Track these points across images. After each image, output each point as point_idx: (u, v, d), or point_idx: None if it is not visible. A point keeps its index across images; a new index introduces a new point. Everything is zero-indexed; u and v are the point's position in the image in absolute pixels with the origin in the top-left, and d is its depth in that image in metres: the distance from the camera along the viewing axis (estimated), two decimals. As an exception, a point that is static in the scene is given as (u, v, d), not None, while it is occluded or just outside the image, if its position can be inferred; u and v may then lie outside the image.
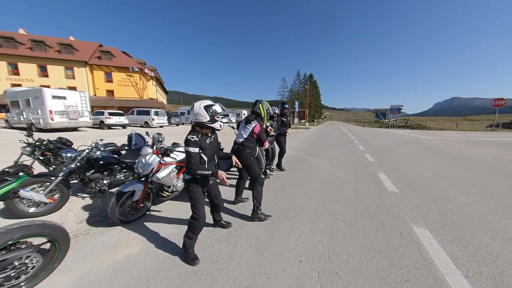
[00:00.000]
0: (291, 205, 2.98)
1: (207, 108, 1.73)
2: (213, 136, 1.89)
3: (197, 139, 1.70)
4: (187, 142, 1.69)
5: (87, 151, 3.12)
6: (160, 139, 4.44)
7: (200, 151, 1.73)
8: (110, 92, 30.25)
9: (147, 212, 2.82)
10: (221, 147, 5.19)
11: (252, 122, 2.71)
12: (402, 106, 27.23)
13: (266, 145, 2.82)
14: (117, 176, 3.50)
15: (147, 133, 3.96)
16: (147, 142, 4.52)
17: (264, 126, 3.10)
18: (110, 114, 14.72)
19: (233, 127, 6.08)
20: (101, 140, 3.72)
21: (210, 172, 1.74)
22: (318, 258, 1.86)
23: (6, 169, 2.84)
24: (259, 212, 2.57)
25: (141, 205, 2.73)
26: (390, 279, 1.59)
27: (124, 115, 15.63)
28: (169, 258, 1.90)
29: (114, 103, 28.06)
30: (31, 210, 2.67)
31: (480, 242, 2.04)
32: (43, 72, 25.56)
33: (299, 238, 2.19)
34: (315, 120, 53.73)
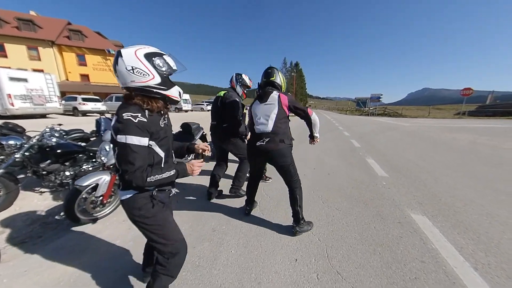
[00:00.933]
0: (281, 194, 2.68)
1: (150, 57, 0.90)
2: (166, 115, 1.06)
3: (144, 120, 0.87)
4: (123, 126, 0.84)
5: (37, 137, 2.50)
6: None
7: (151, 142, 0.93)
8: (85, 77, 27.23)
9: (117, 208, 2.36)
10: (204, 133, 4.61)
11: (273, 94, 1.78)
12: (381, 94, 27.99)
13: (312, 114, 1.87)
14: (83, 167, 2.93)
15: (113, 115, 3.30)
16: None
17: None
18: (84, 100, 13.16)
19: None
20: (60, 125, 3.08)
21: (173, 172, 0.97)
22: (316, 255, 1.60)
23: None
24: (304, 222, 1.87)
25: (109, 200, 2.25)
26: (398, 277, 1.37)
27: (100, 101, 14.11)
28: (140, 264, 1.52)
29: (90, 89, 25.45)
30: (-37, 212, 2.09)
31: (478, 227, 1.91)
32: (0, 51, 22.01)
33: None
34: (300, 108, 53.65)
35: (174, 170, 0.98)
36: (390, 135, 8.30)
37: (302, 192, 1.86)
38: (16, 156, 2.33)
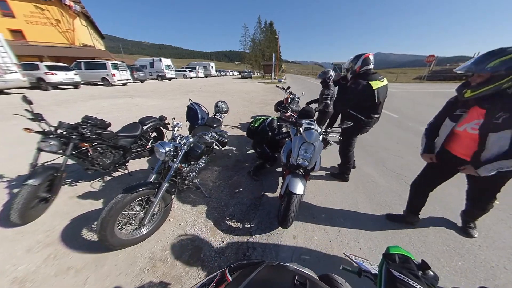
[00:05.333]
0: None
1: None
2: None
3: None
4: None
5: (191, 140, 1.89)
6: (225, 109, 3.27)
7: None
8: (18, 34, 19.77)
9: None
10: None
11: None
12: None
13: None
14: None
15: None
16: (208, 114, 3.22)
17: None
18: (50, 68, 9.85)
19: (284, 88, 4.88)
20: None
21: None
22: None
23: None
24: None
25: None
26: None
27: (71, 70, 10.82)
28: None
29: (30, 51, 19.03)
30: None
31: None
32: None
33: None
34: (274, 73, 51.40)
35: None
36: (398, 102, 8.89)
37: None
38: (175, 164, 1.74)
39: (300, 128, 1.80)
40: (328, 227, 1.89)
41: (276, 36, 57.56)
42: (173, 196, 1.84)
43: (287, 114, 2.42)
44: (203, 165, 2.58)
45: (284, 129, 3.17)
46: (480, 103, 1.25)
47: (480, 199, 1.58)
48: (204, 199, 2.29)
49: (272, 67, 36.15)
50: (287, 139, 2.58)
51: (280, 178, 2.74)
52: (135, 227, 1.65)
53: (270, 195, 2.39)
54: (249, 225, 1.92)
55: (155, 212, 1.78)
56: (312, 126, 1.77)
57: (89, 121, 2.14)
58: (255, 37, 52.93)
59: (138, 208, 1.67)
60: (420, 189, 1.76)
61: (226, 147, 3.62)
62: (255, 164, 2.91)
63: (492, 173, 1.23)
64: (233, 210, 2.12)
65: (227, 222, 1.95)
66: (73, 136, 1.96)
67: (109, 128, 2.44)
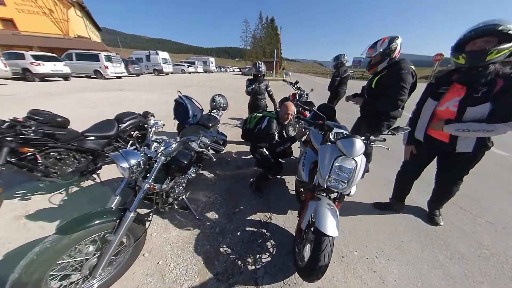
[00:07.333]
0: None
1: None
2: None
3: None
4: None
5: (162, 149, 1.33)
6: (223, 105, 2.72)
7: None
8: (9, 23, 18.82)
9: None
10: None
11: None
12: (363, 58, 27.81)
13: None
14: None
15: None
16: (203, 111, 2.66)
17: None
18: (37, 58, 9.11)
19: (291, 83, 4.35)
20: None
21: None
22: None
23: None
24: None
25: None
26: None
27: (61, 60, 10.08)
28: None
29: (21, 41, 18.08)
30: None
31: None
32: None
33: None
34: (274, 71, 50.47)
35: None
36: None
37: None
38: (146, 184, 1.19)
39: (330, 134, 1.24)
40: (367, 274, 1.34)
41: (278, 32, 56.18)
42: (147, 225, 1.29)
43: (308, 112, 1.85)
44: (193, 175, 2.03)
45: (290, 132, 2.61)
46: (460, 79, 1.27)
47: (447, 180, 1.59)
48: (194, 221, 1.74)
49: (273, 64, 35.28)
50: (301, 148, 2.01)
51: (291, 190, 2.20)
52: (82, 277, 1.10)
53: (279, 217, 1.84)
54: (253, 267, 1.37)
55: (121, 250, 1.23)
56: (348, 132, 1.21)
57: (35, 117, 1.56)
58: (256, 33, 51.81)
59: (90, 248, 1.12)
60: (406, 178, 1.81)
61: (224, 150, 3.07)
62: (256, 175, 2.34)
63: (455, 133, 1.28)
64: (231, 240, 1.57)
65: (223, 261, 1.41)
66: (8, 138, 1.39)
67: (70, 126, 1.88)
